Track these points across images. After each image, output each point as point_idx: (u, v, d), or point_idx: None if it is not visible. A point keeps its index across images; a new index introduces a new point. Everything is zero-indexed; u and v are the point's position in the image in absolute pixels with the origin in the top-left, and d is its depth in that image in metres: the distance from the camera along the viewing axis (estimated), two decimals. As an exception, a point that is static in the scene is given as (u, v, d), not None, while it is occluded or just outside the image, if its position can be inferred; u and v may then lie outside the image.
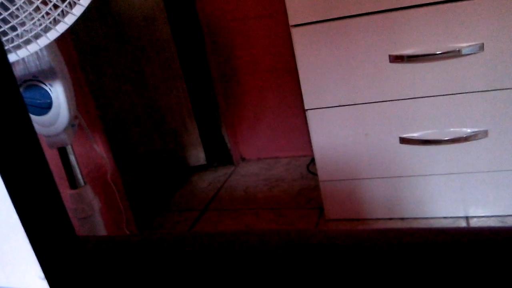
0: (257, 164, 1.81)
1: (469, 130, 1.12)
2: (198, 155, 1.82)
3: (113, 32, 1.68)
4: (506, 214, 1.20)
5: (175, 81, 1.71)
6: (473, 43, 1.04)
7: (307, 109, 1.22)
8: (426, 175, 1.21)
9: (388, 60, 1.10)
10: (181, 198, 1.67)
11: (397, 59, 1.09)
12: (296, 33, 1.14)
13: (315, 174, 1.28)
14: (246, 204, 1.53)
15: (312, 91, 1.19)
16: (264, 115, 1.77)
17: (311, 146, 1.27)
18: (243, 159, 1.88)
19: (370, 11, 1.07)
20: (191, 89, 1.73)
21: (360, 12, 1.08)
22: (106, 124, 1.41)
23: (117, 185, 1.33)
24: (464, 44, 1.04)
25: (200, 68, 1.71)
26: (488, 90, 1.07)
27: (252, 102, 1.77)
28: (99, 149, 1.27)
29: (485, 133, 1.11)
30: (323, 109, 1.20)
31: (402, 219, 1.29)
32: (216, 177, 1.77)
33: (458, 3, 1.02)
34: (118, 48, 1.71)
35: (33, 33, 0.64)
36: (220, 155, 1.83)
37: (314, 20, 1.12)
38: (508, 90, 1.06)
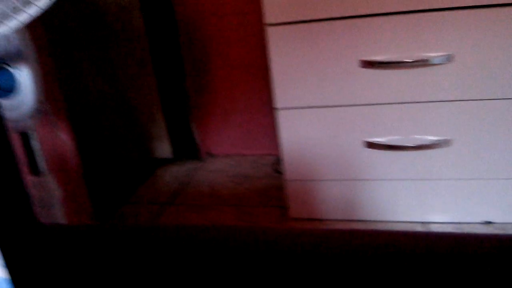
0: (224, 161, 1.81)
1: (433, 138, 1.15)
2: (164, 148, 1.80)
3: (86, 19, 1.65)
4: (462, 221, 1.25)
5: (145, 72, 1.69)
6: (442, 54, 1.07)
7: (277, 109, 1.22)
8: (388, 180, 1.24)
9: (359, 65, 1.12)
10: (145, 190, 1.65)
11: (368, 64, 1.11)
12: (271, 33, 1.15)
13: (281, 173, 1.29)
14: (211, 199, 1.53)
15: (283, 91, 1.19)
16: (234, 112, 1.77)
17: (278, 145, 1.28)
18: (210, 154, 1.87)
19: (344, 15, 1.09)
20: (162, 81, 1.71)
21: (335, 16, 1.09)
22: (72, 111, 1.37)
23: (79, 174, 1.31)
24: (434, 54, 1.07)
25: (172, 60, 1.69)
26: (454, 100, 1.11)
27: (222, 98, 1.76)
28: (63, 137, 1.24)
29: (448, 142, 1.14)
30: (293, 109, 1.21)
31: (363, 221, 1.32)
32: (182, 171, 1.76)
33: (430, 13, 1.05)
34: (90, 36, 1.67)
35: (4, 15, 0.62)
36: (188, 150, 1.82)
37: (290, 20, 1.12)
38: (473, 101, 1.10)
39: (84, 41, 1.67)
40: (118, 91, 1.74)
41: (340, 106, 1.18)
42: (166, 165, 1.82)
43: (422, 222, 1.27)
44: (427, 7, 1.04)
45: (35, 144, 0.88)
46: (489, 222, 1.23)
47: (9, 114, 0.82)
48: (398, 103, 1.14)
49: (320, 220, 1.35)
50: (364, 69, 1.12)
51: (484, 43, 1.04)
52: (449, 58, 1.06)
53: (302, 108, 1.20)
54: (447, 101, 1.11)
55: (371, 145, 1.19)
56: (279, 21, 1.13)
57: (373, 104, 1.16)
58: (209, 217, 1.44)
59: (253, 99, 1.73)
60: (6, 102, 0.80)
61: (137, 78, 1.71)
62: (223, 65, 1.71)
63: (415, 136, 1.16)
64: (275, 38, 1.15)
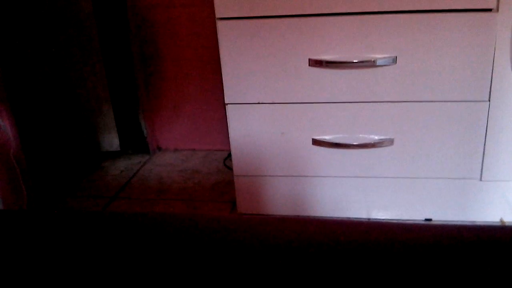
0: (173, 155, 1.79)
1: (376, 137, 1.19)
2: (111, 141, 1.76)
3: (31, 5, 1.58)
4: (404, 218, 1.29)
5: (93, 61, 1.65)
6: (387, 55, 1.10)
7: (227, 104, 1.22)
8: (334, 177, 1.26)
9: (308, 64, 1.14)
10: (90, 183, 1.61)
11: (316, 63, 1.13)
12: (221, 27, 1.14)
13: (231, 168, 1.30)
14: (159, 194, 1.51)
15: (234, 86, 1.19)
16: (184, 106, 1.75)
17: (229, 141, 1.28)
18: (159, 148, 1.85)
19: (294, 13, 1.10)
20: (111, 71, 1.67)
21: (285, 14, 1.10)
22: (13, 99, 1.32)
23: (20, 164, 1.26)
24: (379, 56, 1.10)
25: (122, 51, 1.65)
26: (397, 101, 1.14)
27: (173, 91, 1.74)
28: (4, 125, 1.19)
29: (391, 141, 1.18)
30: (243, 104, 1.22)
31: (309, 217, 1.34)
32: (129, 165, 1.73)
33: (376, 16, 1.07)
34: (35, 23, 1.61)
35: None
36: (136, 143, 1.78)
37: (241, 15, 1.12)
38: (415, 102, 1.14)
39: (28, 28, 1.61)
40: (64, 80, 1.69)
41: (289, 103, 1.19)
42: (113, 158, 1.78)
43: (367, 219, 1.31)
44: (373, 10, 1.07)
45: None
46: (429, 220, 1.29)
47: None
48: (345, 102, 1.16)
49: (268, 215, 1.36)
50: (312, 68, 1.14)
51: (425, 47, 1.08)
52: (393, 60, 1.10)
53: (252, 104, 1.21)
54: (390, 101, 1.15)
55: (318, 143, 1.22)
56: (229, 15, 1.13)
57: (320, 103, 1.18)
58: (156, 211, 1.42)
59: (205, 93, 1.72)
60: None
61: (85, 69, 1.66)
62: (174, 57, 1.69)
63: (360, 135, 1.19)
64: (225, 32, 1.14)
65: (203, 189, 1.52)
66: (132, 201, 1.48)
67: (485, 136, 1.15)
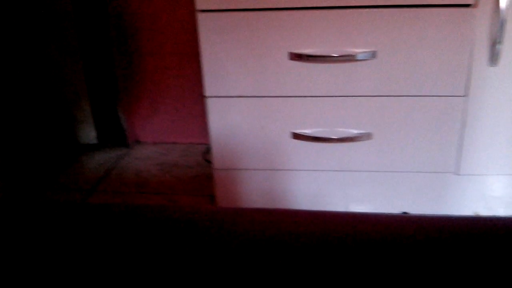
0: (152, 148, 1.77)
1: (355, 131, 1.20)
2: (89, 133, 1.73)
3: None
4: (382, 211, 1.31)
5: (71, 53, 1.61)
6: (367, 50, 1.11)
7: (207, 97, 1.21)
8: (313, 170, 1.27)
9: (288, 57, 1.14)
10: (68, 177, 1.59)
11: (296, 57, 1.13)
12: (202, 19, 1.13)
13: (210, 162, 1.29)
14: (137, 188, 1.49)
15: (214, 79, 1.19)
16: (164, 98, 1.74)
17: (208, 134, 1.27)
18: (138, 141, 1.83)
19: (275, 6, 1.10)
20: (89, 62, 1.64)
21: (266, 7, 1.10)
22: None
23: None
24: (359, 50, 1.11)
25: (100, 42, 1.63)
26: (376, 96, 1.15)
27: (152, 83, 1.72)
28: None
29: (369, 136, 1.19)
30: (223, 98, 1.21)
31: (283, 209, 1.35)
32: (107, 158, 1.70)
33: (356, 10, 1.08)
34: (12, 13, 1.57)
35: None
36: (114, 135, 1.76)
37: (221, 8, 1.12)
38: (394, 97, 1.15)
39: (3, 19, 1.57)
40: (42, 73, 1.65)
41: (269, 96, 1.19)
42: (91, 151, 1.75)
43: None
44: (353, 4, 1.07)
45: None
46: (405, 213, 1.30)
47: None
48: (324, 96, 1.17)
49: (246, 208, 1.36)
50: (293, 62, 1.14)
51: (404, 42, 1.09)
52: (372, 55, 1.11)
53: (232, 97, 1.20)
54: (369, 96, 1.15)
55: (298, 136, 1.22)
56: (210, 7, 1.12)
57: (300, 96, 1.18)
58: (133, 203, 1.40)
59: (185, 86, 1.70)
60: None
61: (63, 61, 1.63)
62: (155, 50, 1.67)
63: (339, 128, 1.20)
64: (206, 24, 1.13)
65: (182, 183, 1.51)
66: (109, 194, 1.46)
67: (462, 131, 1.17)
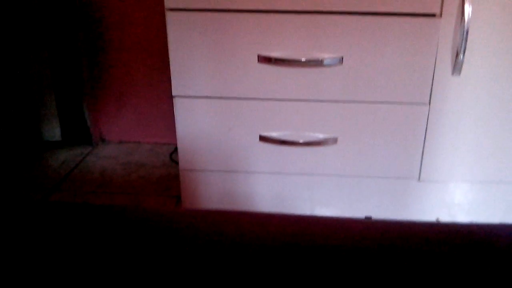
0: (118, 147, 1.74)
1: (321, 136, 1.21)
2: (53, 130, 1.69)
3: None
4: (346, 215, 1.32)
5: (37, 49, 1.57)
6: (334, 56, 1.12)
7: (175, 96, 1.20)
8: (280, 173, 1.27)
9: (257, 60, 1.14)
10: (30, 175, 1.54)
11: (265, 60, 1.13)
12: (170, 17, 1.12)
13: (177, 162, 1.28)
14: (101, 187, 1.46)
15: (182, 78, 1.18)
16: (131, 97, 1.71)
17: (175, 134, 1.26)
18: (103, 140, 1.79)
19: (245, 8, 1.09)
20: (54, 58, 1.61)
21: (236, 8, 1.10)
22: None
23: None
24: (327, 56, 1.12)
25: (67, 38, 1.59)
26: (342, 101, 1.17)
27: (119, 81, 1.69)
28: None
29: (335, 140, 1.20)
30: (191, 98, 1.20)
31: (246, 211, 1.35)
32: (71, 156, 1.67)
33: (325, 16, 1.09)
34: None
35: None
36: (79, 133, 1.72)
37: (191, 7, 1.11)
38: (359, 103, 1.16)
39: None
40: (5, 66, 1.60)
41: (237, 98, 1.19)
42: (55, 149, 1.71)
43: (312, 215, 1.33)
44: (322, 9, 1.08)
45: None
46: (369, 218, 1.32)
47: None
48: (292, 100, 1.17)
49: (214, 211, 1.35)
50: (261, 64, 1.14)
51: (370, 49, 1.11)
52: (339, 61, 1.12)
53: (199, 97, 1.20)
54: (336, 101, 1.17)
55: (265, 139, 1.22)
56: (179, 6, 1.11)
57: (268, 99, 1.18)
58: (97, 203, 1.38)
59: (152, 85, 1.68)
60: None
61: (27, 54, 1.58)
62: (123, 47, 1.64)
63: (306, 132, 1.20)
64: (175, 23, 1.12)
65: (147, 183, 1.49)
66: (72, 194, 1.43)
67: (424, 138, 1.20)
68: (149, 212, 0.60)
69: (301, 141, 1.21)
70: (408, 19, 1.08)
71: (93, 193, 1.43)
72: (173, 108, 1.22)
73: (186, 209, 1.33)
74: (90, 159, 1.64)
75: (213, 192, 1.32)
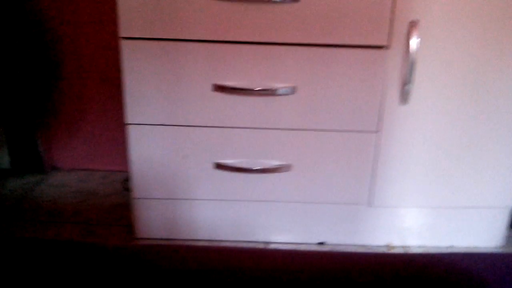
0: (70, 175, 1.70)
1: (275, 163, 1.22)
2: (2, 158, 1.63)
3: None
4: (300, 242, 1.33)
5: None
6: (287, 85, 1.14)
7: (128, 124, 1.19)
8: (236, 200, 1.27)
9: (211, 89, 1.15)
10: (-27, 204, 1.48)
11: (219, 88, 1.14)
12: (125, 46, 1.12)
13: (130, 191, 1.26)
14: (52, 216, 1.42)
15: (136, 106, 1.17)
16: (85, 124, 1.68)
17: (128, 162, 1.24)
18: (55, 167, 1.74)
19: (200, 38, 1.11)
20: (3, 82, 1.56)
21: (191, 38, 1.11)
22: None
23: None
24: (280, 85, 1.14)
25: (19, 61, 1.55)
26: (296, 129, 1.19)
27: (73, 107, 1.66)
28: None
29: (289, 167, 1.22)
30: (145, 125, 1.19)
31: (209, 240, 1.34)
32: (21, 185, 1.61)
33: (278, 47, 1.12)
34: None
35: None
36: (29, 161, 1.67)
37: (146, 36, 1.11)
38: (312, 131, 1.19)
39: None
40: None
41: (192, 126, 1.19)
42: (3, 177, 1.65)
43: (265, 242, 1.33)
44: (275, 41, 1.11)
45: None
46: (322, 243, 1.34)
47: None
48: (247, 128, 1.19)
49: (167, 239, 1.33)
50: (216, 93, 1.15)
51: (322, 79, 1.14)
52: (292, 90, 1.14)
53: (154, 125, 1.19)
54: (289, 129, 1.19)
55: (220, 167, 1.22)
56: (134, 35, 1.11)
57: (223, 127, 1.19)
58: (48, 235, 1.33)
59: (106, 112, 1.66)
60: None
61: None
62: (77, 74, 1.62)
63: (261, 160, 1.22)
64: (129, 52, 1.12)
65: (99, 212, 1.45)
66: (21, 223, 1.37)
67: (374, 165, 1.23)
68: (97, 247, 0.59)
69: (255, 168, 1.22)
70: (357, 50, 1.12)
71: (42, 223, 1.38)
72: (126, 135, 1.21)
73: (134, 244, 1.31)
74: (41, 188, 1.59)
75: (167, 221, 1.30)
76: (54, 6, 1.55)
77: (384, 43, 1.12)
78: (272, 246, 1.33)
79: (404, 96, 1.15)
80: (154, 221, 1.30)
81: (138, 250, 0.60)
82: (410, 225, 1.33)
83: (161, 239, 1.33)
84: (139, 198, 1.27)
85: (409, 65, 1.12)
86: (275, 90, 1.14)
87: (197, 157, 1.22)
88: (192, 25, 1.10)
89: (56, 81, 1.63)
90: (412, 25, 1.10)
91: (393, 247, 1.34)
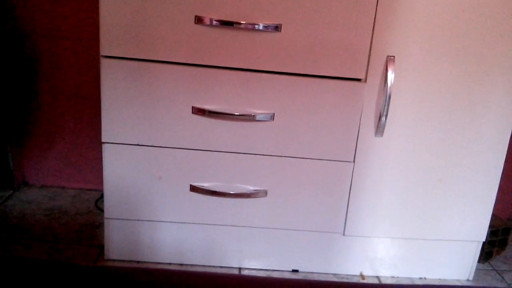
0: (40, 192, 1.66)
1: (251, 188, 1.22)
2: (-30, 172, 1.59)
3: None
4: (274, 269, 1.32)
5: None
6: (266, 112, 1.15)
7: (104, 142, 1.18)
8: (210, 224, 1.26)
9: (191, 111, 1.15)
10: None
11: (199, 111, 1.14)
12: (105, 64, 1.12)
13: (102, 210, 1.23)
14: (19, 233, 1.38)
15: (113, 125, 1.16)
16: (58, 140, 1.66)
17: (102, 180, 1.22)
18: (25, 183, 1.70)
19: (181, 61, 1.12)
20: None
21: (172, 60, 1.12)
22: None
23: None
24: (259, 111, 1.15)
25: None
26: (273, 155, 1.19)
27: (47, 123, 1.64)
28: None
29: (264, 193, 1.22)
30: (121, 145, 1.18)
31: (182, 264, 1.32)
32: (-12, 199, 1.57)
33: (259, 74, 1.13)
34: None
35: None
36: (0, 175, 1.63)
37: (127, 56, 1.11)
38: (289, 158, 1.20)
39: None
40: None
41: (169, 147, 1.18)
42: (-30, 191, 1.60)
43: (238, 268, 1.32)
44: (256, 68, 1.13)
45: None
46: (296, 271, 1.33)
47: None
48: (224, 151, 1.19)
49: (138, 262, 1.31)
50: (195, 116, 1.15)
51: (300, 108, 1.16)
52: (271, 117, 1.15)
53: (130, 144, 1.18)
54: (266, 155, 1.19)
55: (196, 189, 1.21)
56: (115, 54, 1.11)
57: (201, 150, 1.19)
58: (14, 253, 1.29)
59: (81, 129, 1.64)
60: None
61: None
62: (54, 89, 1.60)
63: (237, 184, 1.22)
64: (109, 70, 1.12)
65: (70, 231, 1.42)
66: (-15, 240, 1.33)
67: (349, 194, 1.25)
68: (58, 266, 0.57)
69: (231, 192, 1.21)
70: (336, 82, 1.14)
71: (9, 240, 1.34)
72: (101, 154, 1.19)
73: (101, 266, 1.29)
74: (10, 203, 1.55)
75: (139, 242, 1.28)
76: (33, 21, 1.54)
77: (362, 76, 1.15)
78: (245, 272, 1.32)
79: (380, 129, 1.17)
80: (125, 242, 1.28)
81: (102, 271, 0.58)
82: (382, 255, 1.33)
83: (132, 261, 1.30)
84: (111, 218, 1.25)
85: (385, 99, 1.14)
86: (254, 115, 1.15)
87: (172, 178, 1.21)
88: (174, 48, 1.10)
89: (31, 96, 1.61)
90: (389, 60, 1.13)
91: (366, 277, 1.35)
